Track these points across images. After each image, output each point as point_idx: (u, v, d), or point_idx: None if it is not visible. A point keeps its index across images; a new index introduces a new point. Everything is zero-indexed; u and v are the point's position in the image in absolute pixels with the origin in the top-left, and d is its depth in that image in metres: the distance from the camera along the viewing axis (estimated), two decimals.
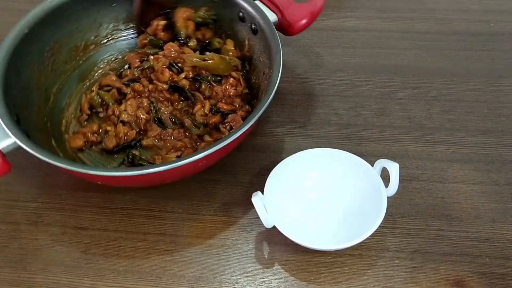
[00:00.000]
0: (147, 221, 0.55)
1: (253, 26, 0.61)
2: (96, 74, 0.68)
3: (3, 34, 0.58)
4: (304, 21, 0.61)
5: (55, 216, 0.56)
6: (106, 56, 0.70)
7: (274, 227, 0.49)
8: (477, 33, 0.74)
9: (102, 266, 0.52)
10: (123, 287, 0.50)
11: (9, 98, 0.55)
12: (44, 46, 0.63)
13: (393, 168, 0.50)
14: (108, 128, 0.61)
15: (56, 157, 0.50)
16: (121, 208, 0.56)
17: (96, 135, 0.61)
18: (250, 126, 0.50)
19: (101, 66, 0.69)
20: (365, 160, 0.53)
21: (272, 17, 0.61)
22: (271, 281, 0.50)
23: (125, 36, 0.70)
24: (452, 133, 0.62)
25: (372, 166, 0.53)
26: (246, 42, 0.63)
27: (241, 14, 0.62)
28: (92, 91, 0.64)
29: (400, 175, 0.51)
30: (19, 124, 0.54)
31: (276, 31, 0.58)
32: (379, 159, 0.53)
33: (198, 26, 0.66)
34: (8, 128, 0.50)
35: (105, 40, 0.69)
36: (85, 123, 0.63)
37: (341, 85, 0.68)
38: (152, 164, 0.57)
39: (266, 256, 0.52)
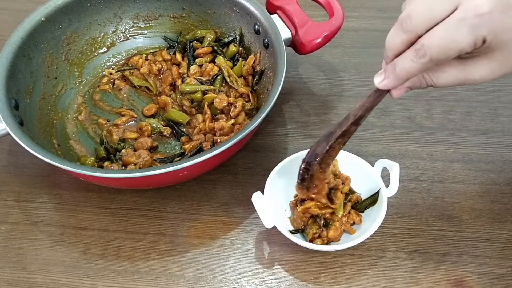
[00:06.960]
0: (147, 221, 0.55)
1: (265, 40, 0.61)
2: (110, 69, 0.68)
3: (3, 34, 0.58)
4: (316, 41, 0.60)
5: (55, 216, 0.56)
6: (122, 52, 0.69)
7: (274, 227, 0.49)
8: None
9: (102, 266, 0.52)
10: (122, 287, 0.50)
11: (13, 82, 0.55)
12: (61, 35, 0.64)
13: (394, 168, 0.50)
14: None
15: (39, 148, 0.50)
16: (121, 208, 0.56)
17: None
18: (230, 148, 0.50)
19: (115, 61, 0.69)
20: (365, 160, 0.53)
21: (287, 33, 0.61)
22: (271, 281, 0.50)
23: (143, 34, 0.70)
24: (452, 133, 0.62)
25: (372, 166, 0.52)
26: (258, 54, 0.63)
27: (256, 26, 0.62)
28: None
29: (400, 175, 0.51)
30: (18, 109, 0.54)
31: (285, 48, 0.57)
32: (379, 159, 0.53)
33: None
34: (2, 115, 0.51)
35: (123, 37, 0.70)
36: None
37: (341, 85, 0.68)
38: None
39: (266, 256, 0.52)
